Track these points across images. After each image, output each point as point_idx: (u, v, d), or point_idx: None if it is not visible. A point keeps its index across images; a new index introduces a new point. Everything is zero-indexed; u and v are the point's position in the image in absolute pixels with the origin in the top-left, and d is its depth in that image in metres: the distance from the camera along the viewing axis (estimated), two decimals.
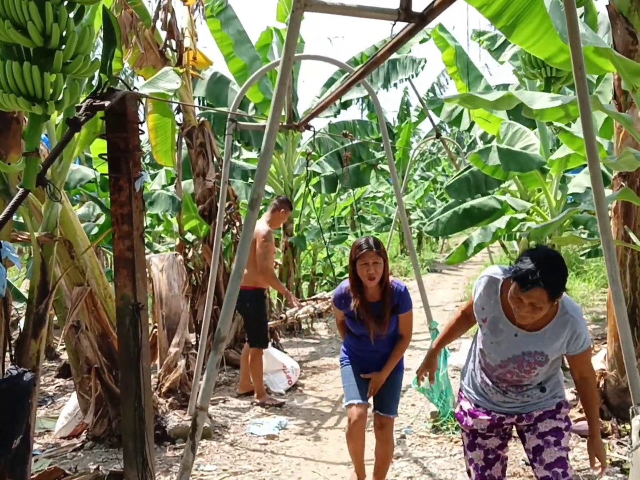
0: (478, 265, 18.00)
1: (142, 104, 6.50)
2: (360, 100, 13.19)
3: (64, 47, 2.79)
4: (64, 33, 2.79)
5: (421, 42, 10.13)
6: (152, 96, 4.53)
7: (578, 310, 2.98)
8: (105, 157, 3.55)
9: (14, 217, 3.92)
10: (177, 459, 5.21)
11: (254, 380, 6.75)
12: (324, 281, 12.10)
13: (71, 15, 2.88)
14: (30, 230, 4.19)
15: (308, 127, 6.12)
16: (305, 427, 6.01)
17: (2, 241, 3.48)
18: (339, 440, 5.61)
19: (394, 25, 2.95)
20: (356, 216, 18.48)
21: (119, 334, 3.72)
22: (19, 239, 4.69)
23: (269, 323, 6.63)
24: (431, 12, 2.86)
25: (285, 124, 5.88)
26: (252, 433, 5.85)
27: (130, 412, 3.47)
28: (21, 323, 4.80)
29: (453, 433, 5.47)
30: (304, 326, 10.21)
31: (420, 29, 3.01)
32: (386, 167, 18.58)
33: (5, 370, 3.54)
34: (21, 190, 2.94)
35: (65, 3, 2.83)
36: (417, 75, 10.31)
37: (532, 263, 2.70)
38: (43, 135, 4.25)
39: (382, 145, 16.47)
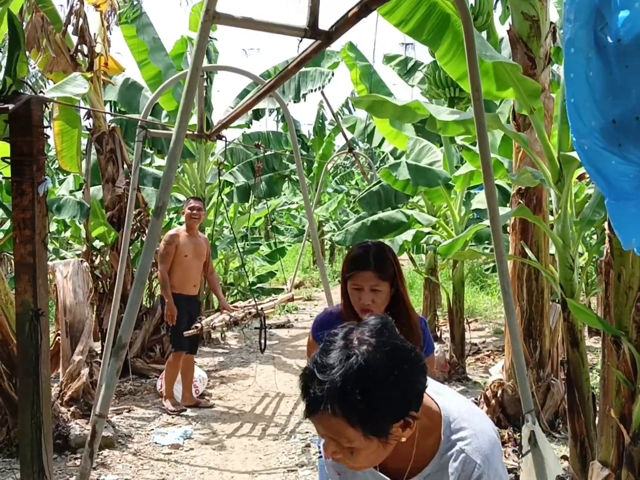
0: None
1: (48, 108, 6.38)
2: (275, 112, 13.30)
3: None
4: None
5: (331, 67, 10.37)
6: (59, 101, 4.48)
7: (483, 450, 1.57)
8: (8, 160, 3.50)
9: None
10: (77, 468, 5.11)
11: (165, 381, 6.78)
12: (235, 291, 12.09)
13: None
14: None
15: (220, 137, 6.15)
16: (211, 437, 6.01)
17: None
18: (244, 450, 5.64)
19: (300, 42, 3.04)
20: (270, 226, 18.54)
21: (19, 340, 3.66)
22: None
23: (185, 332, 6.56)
24: (337, 31, 2.97)
25: (196, 132, 5.89)
26: (156, 442, 5.80)
27: (28, 419, 3.42)
28: None
29: None
30: (214, 335, 10.18)
31: (327, 46, 3.11)
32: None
33: None
34: None
35: None
36: (323, 87, 10.49)
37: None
38: None
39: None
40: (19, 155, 3.48)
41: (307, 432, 5.97)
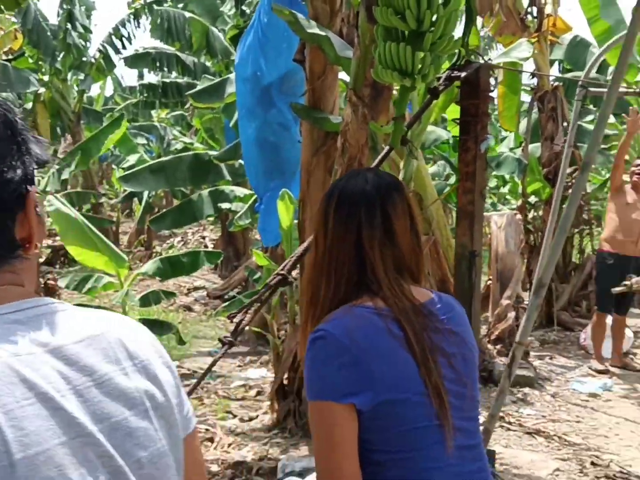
0: None
1: (494, 74, 6.92)
2: None
3: (432, 29, 3.35)
4: (434, 18, 3.35)
5: None
6: (504, 66, 4.95)
7: None
8: (458, 121, 4.10)
9: None
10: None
11: (593, 341, 6.93)
12: None
13: (440, 1, 3.44)
14: None
15: None
16: (631, 392, 6.07)
17: None
18: None
19: None
20: None
21: (456, 276, 4.29)
22: None
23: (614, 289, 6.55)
24: None
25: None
26: (574, 389, 6.10)
27: None
28: None
29: None
30: None
31: None
32: None
33: None
34: (387, 147, 3.61)
35: None
36: None
37: None
38: None
39: None
40: (467, 116, 4.04)
41: None
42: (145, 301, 6.47)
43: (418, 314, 1.52)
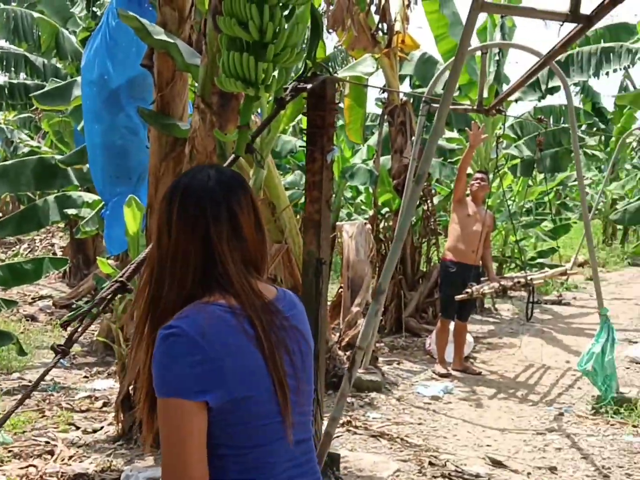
0: None
1: (340, 87, 7.14)
2: (572, 85, 12.94)
3: (275, 41, 3.40)
4: (277, 29, 3.39)
5: (635, 41, 9.87)
6: (349, 80, 5.10)
7: None
8: (305, 132, 4.18)
9: None
10: (348, 405, 5.82)
11: (436, 346, 7.23)
12: (513, 264, 12.19)
13: (285, 13, 3.49)
14: None
15: (499, 111, 6.38)
16: (470, 395, 6.40)
17: None
18: (498, 410, 5.97)
19: (561, 26, 3.24)
20: (558, 202, 18.08)
21: (303, 282, 4.35)
22: None
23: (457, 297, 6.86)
24: (597, 15, 3.13)
25: (475, 107, 6.19)
26: (418, 392, 6.35)
27: None
28: None
29: (611, 417, 5.61)
30: (487, 305, 10.48)
31: (588, 29, 3.28)
32: (597, 153, 17.98)
33: None
34: (233, 155, 3.62)
35: (280, 4, 3.44)
36: (633, 65, 10.02)
37: None
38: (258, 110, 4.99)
39: (594, 129, 16.02)
40: (313, 127, 4.12)
41: (563, 403, 6.09)
42: None
43: (266, 312, 1.55)
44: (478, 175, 7.27)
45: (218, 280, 1.55)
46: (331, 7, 8.43)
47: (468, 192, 7.34)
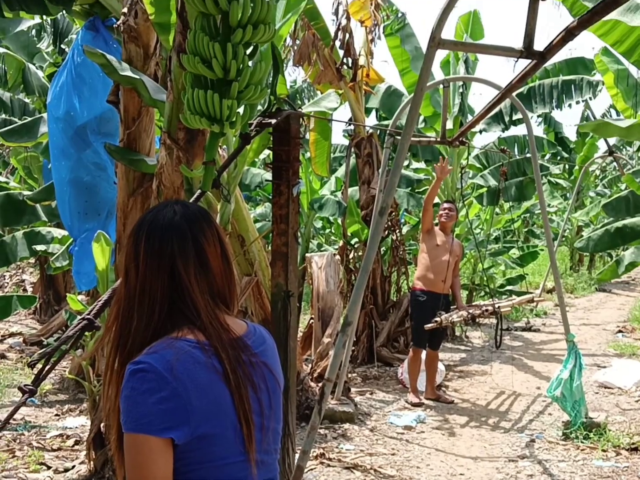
0: None
1: (304, 121, 7.24)
2: (535, 116, 13.25)
3: (239, 78, 3.46)
4: (240, 67, 3.46)
5: (592, 74, 10.21)
6: (313, 115, 5.18)
7: None
8: (271, 166, 4.24)
9: None
10: (321, 437, 5.82)
11: (409, 375, 7.25)
12: (483, 292, 12.31)
13: (248, 51, 3.56)
14: None
15: (462, 143, 6.51)
16: (443, 423, 6.42)
17: None
18: (471, 438, 5.99)
19: (516, 62, 3.35)
20: (526, 229, 18.32)
21: (272, 315, 4.38)
22: None
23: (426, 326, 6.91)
24: (549, 51, 3.24)
25: (439, 139, 6.32)
26: (391, 422, 6.36)
27: None
28: None
29: (581, 442, 5.66)
30: (457, 332, 10.55)
31: (542, 65, 3.39)
32: (560, 182, 18.31)
33: None
34: (199, 190, 3.66)
35: (242, 43, 3.51)
36: (594, 97, 10.29)
37: None
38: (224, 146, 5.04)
39: (557, 158, 16.36)
40: (279, 161, 4.18)
41: (534, 429, 6.14)
42: None
43: (233, 347, 1.56)
44: (446, 205, 7.37)
45: (186, 313, 1.57)
46: (297, 42, 8.62)
47: (437, 221, 7.44)
